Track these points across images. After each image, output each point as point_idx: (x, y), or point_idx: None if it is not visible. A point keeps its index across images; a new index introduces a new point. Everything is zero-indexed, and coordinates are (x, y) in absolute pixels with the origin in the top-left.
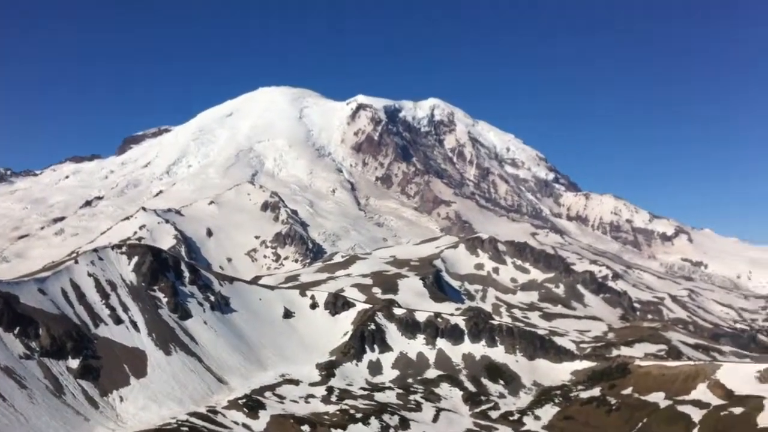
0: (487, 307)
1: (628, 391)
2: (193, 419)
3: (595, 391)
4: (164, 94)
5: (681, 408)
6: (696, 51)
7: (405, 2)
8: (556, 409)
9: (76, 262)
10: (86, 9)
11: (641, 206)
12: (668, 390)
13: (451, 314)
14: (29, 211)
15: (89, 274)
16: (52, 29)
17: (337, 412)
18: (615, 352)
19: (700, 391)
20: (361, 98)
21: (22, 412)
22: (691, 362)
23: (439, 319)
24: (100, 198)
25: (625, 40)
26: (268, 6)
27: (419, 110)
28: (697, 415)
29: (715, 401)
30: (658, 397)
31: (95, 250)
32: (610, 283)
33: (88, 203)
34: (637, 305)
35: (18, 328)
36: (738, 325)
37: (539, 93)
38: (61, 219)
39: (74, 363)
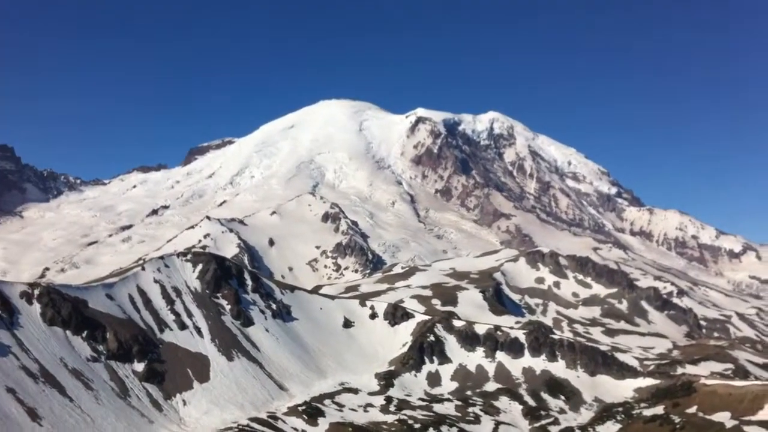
0: (548, 321)
1: (692, 410)
2: (253, 424)
3: (659, 409)
4: (228, 106)
5: (747, 429)
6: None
7: (464, 15)
8: (618, 426)
9: (143, 268)
10: (154, 21)
11: (707, 222)
12: (735, 410)
13: (511, 327)
14: (98, 219)
15: (155, 281)
16: (122, 41)
17: (396, 422)
18: (680, 370)
19: None
20: (421, 111)
21: (89, 413)
22: (759, 382)
23: (499, 332)
24: (166, 207)
25: (682, 50)
26: (328, 20)
27: (478, 123)
28: None
29: None
30: (723, 417)
31: (161, 258)
32: (675, 300)
33: (154, 212)
34: (703, 323)
35: (86, 332)
36: None
37: (601, 106)
38: (129, 227)
39: (140, 366)
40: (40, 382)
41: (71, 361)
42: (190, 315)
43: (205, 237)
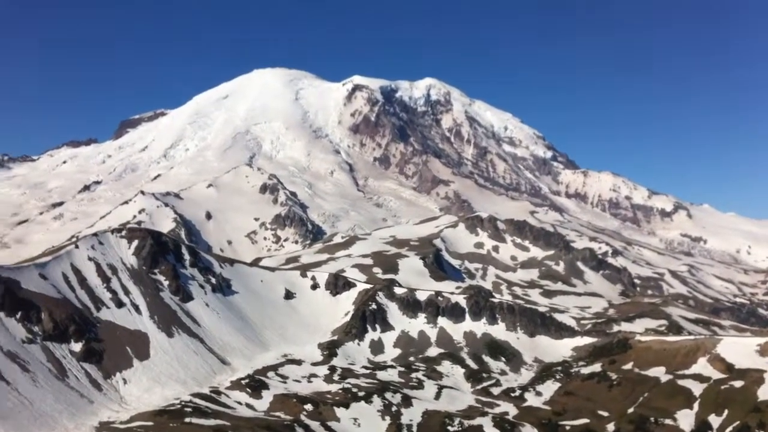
0: (488, 285)
1: (628, 366)
2: (197, 400)
3: (596, 367)
4: (159, 76)
5: (681, 382)
6: (692, 24)
7: None
8: (558, 385)
9: (77, 246)
10: None
11: (640, 183)
12: (669, 365)
13: (452, 293)
14: (28, 196)
15: (90, 259)
16: (49, 15)
17: (340, 391)
18: (615, 328)
19: (701, 366)
20: (357, 79)
21: (26, 395)
22: (692, 337)
23: (440, 298)
24: (98, 182)
25: (620, 16)
26: None
27: (415, 90)
28: (697, 389)
29: (716, 375)
30: (658, 372)
31: (95, 235)
32: (610, 260)
33: (86, 188)
34: (637, 281)
35: (20, 313)
36: (738, 300)
37: (535, 71)
38: (60, 204)
39: (77, 346)
40: None
41: (6, 343)
42: (127, 292)
43: (139, 212)
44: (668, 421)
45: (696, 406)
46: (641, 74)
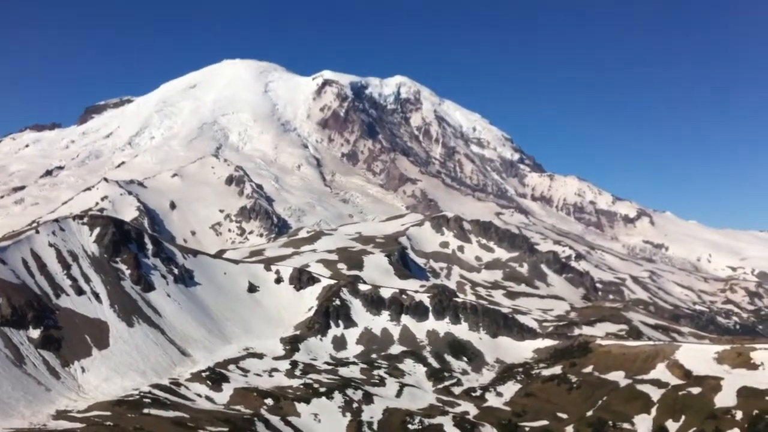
0: (452, 284)
1: (588, 369)
2: (156, 391)
3: (557, 369)
4: (126, 63)
5: (640, 387)
6: (660, 30)
7: None
8: (518, 386)
9: (37, 231)
10: None
11: (604, 188)
12: (628, 369)
13: (416, 291)
14: None
15: (50, 245)
16: None
17: (301, 386)
18: (577, 331)
19: (660, 371)
20: (327, 74)
21: None
22: (651, 342)
23: (404, 296)
24: (60, 168)
25: (591, 17)
26: None
27: (385, 87)
28: (656, 394)
29: (674, 381)
30: (618, 376)
31: (56, 221)
32: (573, 264)
33: (48, 173)
34: (599, 285)
35: None
36: (697, 307)
37: (504, 73)
38: (21, 188)
39: (35, 333)
40: None
41: None
42: (87, 280)
43: (102, 199)
44: (626, 425)
45: (654, 411)
46: (609, 80)
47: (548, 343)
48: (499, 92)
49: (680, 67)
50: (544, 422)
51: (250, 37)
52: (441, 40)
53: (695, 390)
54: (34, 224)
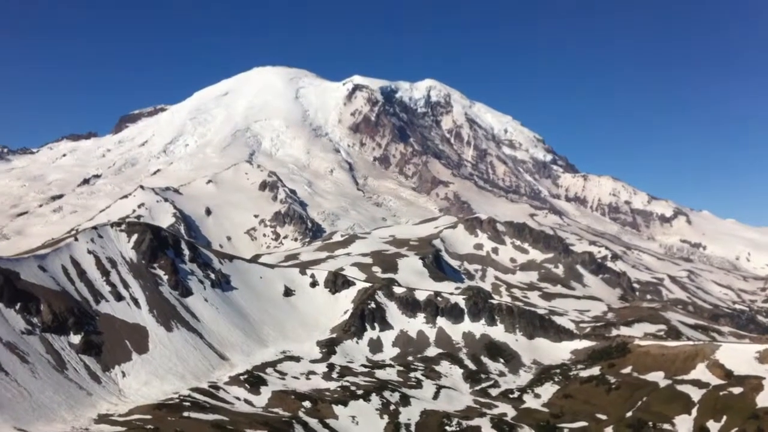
0: (487, 286)
1: (627, 370)
2: (195, 394)
3: (595, 370)
4: (160, 72)
5: (680, 387)
6: (697, 32)
7: None
8: (556, 387)
9: (76, 239)
10: None
11: (639, 188)
12: (668, 369)
13: (451, 293)
14: (27, 188)
15: (89, 252)
16: (51, 6)
17: (338, 389)
18: (614, 332)
19: (700, 371)
20: (357, 79)
21: (25, 386)
22: (691, 342)
23: (439, 298)
24: (97, 176)
25: (624, 19)
26: None
27: (416, 91)
28: (696, 394)
29: (715, 381)
30: (657, 377)
31: (95, 228)
32: (609, 264)
33: (86, 181)
34: (636, 286)
35: (19, 304)
36: (737, 306)
37: (536, 75)
38: (60, 197)
39: (76, 339)
40: None
41: (5, 334)
42: (126, 286)
43: (139, 207)
44: (666, 426)
45: (694, 411)
46: (643, 79)
47: (586, 344)
48: (530, 94)
49: (715, 66)
50: (583, 423)
51: (280, 44)
52: (470, 42)
53: (736, 390)
54: (73, 232)
